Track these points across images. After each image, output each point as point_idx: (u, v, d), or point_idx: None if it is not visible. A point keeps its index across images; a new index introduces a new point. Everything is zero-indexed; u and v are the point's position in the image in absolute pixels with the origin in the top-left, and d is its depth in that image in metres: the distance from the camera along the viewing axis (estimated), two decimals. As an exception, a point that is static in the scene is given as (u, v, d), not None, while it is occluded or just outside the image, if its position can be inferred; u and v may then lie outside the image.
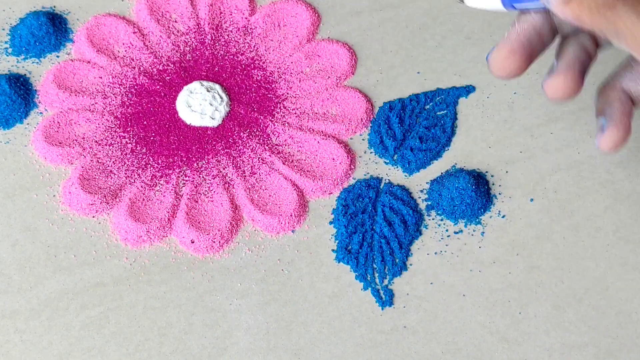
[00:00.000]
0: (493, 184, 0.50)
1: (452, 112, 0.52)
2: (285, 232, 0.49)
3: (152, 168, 0.51)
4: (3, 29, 0.56)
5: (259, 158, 0.51)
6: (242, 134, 0.52)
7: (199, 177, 0.50)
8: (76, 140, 0.51)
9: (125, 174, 0.50)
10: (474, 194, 0.49)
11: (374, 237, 0.49)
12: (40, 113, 0.53)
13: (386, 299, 0.47)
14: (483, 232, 0.49)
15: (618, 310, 0.46)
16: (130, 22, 0.56)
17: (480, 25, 0.56)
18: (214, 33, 0.55)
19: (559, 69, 0.39)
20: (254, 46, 0.55)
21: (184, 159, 0.51)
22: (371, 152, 0.51)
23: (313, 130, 0.52)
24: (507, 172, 0.51)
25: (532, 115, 0.52)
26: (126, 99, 0.53)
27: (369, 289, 0.47)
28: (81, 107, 0.53)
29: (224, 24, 0.56)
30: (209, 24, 0.56)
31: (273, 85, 0.54)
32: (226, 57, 0.55)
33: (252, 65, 0.54)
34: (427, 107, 0.53)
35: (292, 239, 0.49)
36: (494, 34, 0.55)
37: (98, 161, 0.51)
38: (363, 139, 0.52)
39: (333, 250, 0.48)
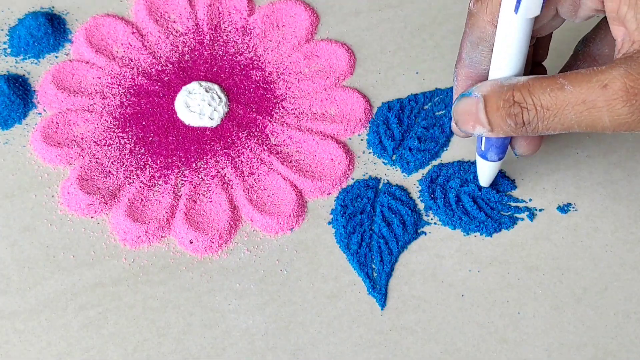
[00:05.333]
0: (492, 184, 0.50)
1: (450, 113, 0.52)
2: (284, 233, 0.49)
3: (150, 168, 0.51)
4: (2, 30, 0.56)
5: (257, 158, 0.51)
6: (240, 134, 0.52)
7: (198, 177, 0.50)
8: (75, 140, 0.51)
9: (124, 174, 0.50)
10: (473, 194, 0.49)
11: (372, 237, 0.49)
12: (39, 113, 0.53)
13: (385, 299, 0.47)
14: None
15: (617, 310, 0.46)
16: (128, 22, 0.56)
17: (479, 26, 0.56)
18: (212, 33, 0.55)
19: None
20: (253, 46, 0.55)
21: (183, 160, 0.51)
22: (370, 153, 0.51)
23: (312, 130, 0.52)
24: (505, 172, 0.51)
25: (530, 115, 0.52)
26: (125, 100, 0.53)
27: (368, 289, 0.47)
28: (80, 107, 0.53)
29: (223, 25, 0.56)
30: (207, 24, 0.56)
31: (272, 86, 0.54)
32: (225, 58, 0.55)
33: (251, 65, 0.54)
34: (426, 107, 0.53)
35: (290, 239, 0.49)
36: (492, 34, 0.55)
37: (97, 162, 0.51)
38: (362, 139, 0.52)
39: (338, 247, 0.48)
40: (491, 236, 0.48)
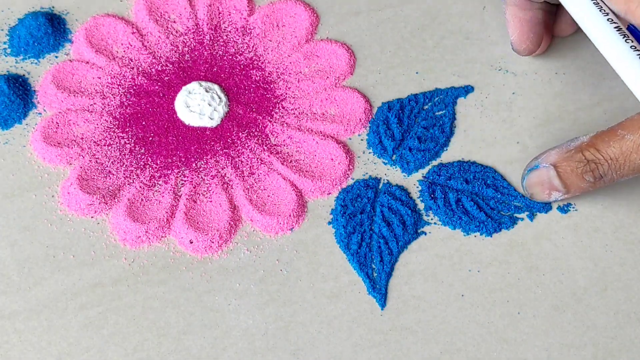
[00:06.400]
0: (492, 184, 0.50)
1: (450, 112, 0.52)
2: (284, 233, 0.49)
3: (150, 168, 0.51)
4: (2, 30, 0.56)
5: (257, 158, 0.51)
6: (240, 134, 0.52)
7: (198, 177, 0.50)
8: (75, 140, 0.51)
9: (124, 174, 0.50)
10: (473, 194, 0.49)
11: (372, 237, 0.49)
12: (39, 113, 0.53)
13: (385, 299, 0.47)
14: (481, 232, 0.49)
15: (617, 310, 0.46)
16: (129, 22, 0.56)
17: (479, 26, 0.56)
18: (212, 33, 0.56)
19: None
20: (253, 46, 0.55)
21: (183, 159, 0.51)
22: (370, 153, 0.51)
23: (312, 130, 0.52)
24: (505, 172, 0.51)
25: (530, 115, 0.52)
26: (125, 100, 0.53)
27: (368, 289, 0.47)
28: (80, 107, 0.53)
29: (223, 24, 0.56)
30: (207, 24, 0.56)
31: (272, 86, 0.54)
32: (225, 58, 0.55)
33: (251, 65, 0.54)
34: (426, 107, 0.53)
35: (290, 239, 0.49)
36: (492, 34, 0.55)
37: (97, 161, 0.51)
38: (362, 139, 0.52)
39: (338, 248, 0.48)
40: (491, 236, 0.48)
